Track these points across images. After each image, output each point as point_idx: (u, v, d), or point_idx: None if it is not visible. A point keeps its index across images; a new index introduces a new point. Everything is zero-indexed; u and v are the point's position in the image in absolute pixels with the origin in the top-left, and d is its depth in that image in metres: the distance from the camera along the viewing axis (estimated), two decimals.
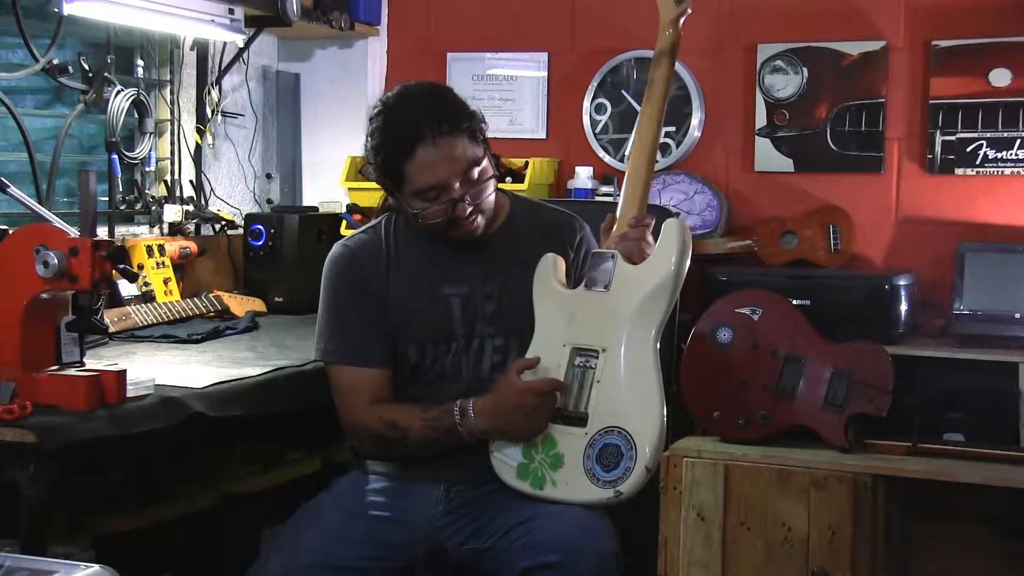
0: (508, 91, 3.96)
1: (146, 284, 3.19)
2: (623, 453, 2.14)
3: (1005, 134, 3.42)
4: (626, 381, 2.19)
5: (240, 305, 3.30)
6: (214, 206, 3.75)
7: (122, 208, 3.45)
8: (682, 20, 2.40)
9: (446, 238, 2.34)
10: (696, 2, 2.48)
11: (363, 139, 2.35)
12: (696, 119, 3.74)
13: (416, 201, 2.28)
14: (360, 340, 2.34)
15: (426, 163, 2.23)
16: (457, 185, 2.26)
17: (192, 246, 3.48)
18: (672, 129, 3.74)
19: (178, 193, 3.65)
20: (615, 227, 2.33)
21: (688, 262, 2.23)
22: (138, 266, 3.19)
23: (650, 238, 2.29)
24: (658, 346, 2.21)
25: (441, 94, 2.34)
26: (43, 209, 2.81)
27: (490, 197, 2.33)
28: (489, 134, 2.36)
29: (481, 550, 2.24)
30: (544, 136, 3.95)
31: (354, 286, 2.37)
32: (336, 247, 2.42)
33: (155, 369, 2.44)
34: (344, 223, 3.68)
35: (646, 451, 2.13)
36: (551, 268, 2.34)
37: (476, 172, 2.28)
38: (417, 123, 2.24)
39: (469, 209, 2.28)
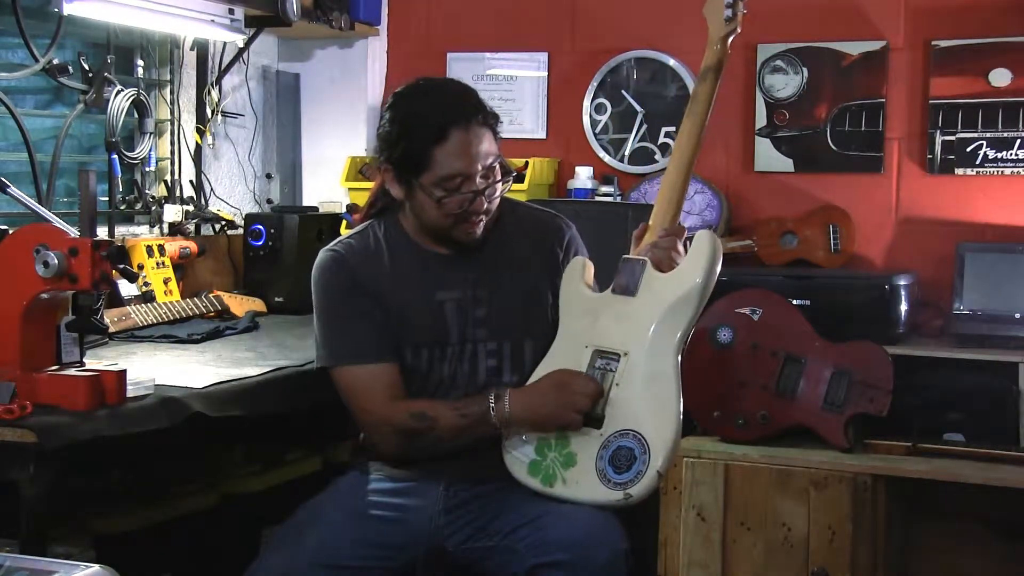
0: (508, 91, 3.96)
1: (146, 284, 3.19)
2: (636, 456, 2.15)
3: (1005, 134, 3.42)
4: (645, 386, 2.20)
5: (240, 305, 3.30)
6: (214, 206, 3.75)
7: (122, 208, 3.45)
8: (731, 38, 2.42)
9: (445, 238, 2.33)
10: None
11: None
12: None
13: (436, 190, 2.26)
14: (365, 338, 2.31)
15: (457, 148, 2.23)
16: (479, 179, 2.26)
17: (192, 246, 3.48)
18: (672, 129, 3.74)
19: (178, 193, 3.64)
20: (647, 235, 2.34)
21: (717, 273, 2.24)
22: (138, 266, 3.18)
23: (681, 248, 2.30)
24: (680, 355, 2.22)
25: (469, 88, 2.35)
26: (43, 209, 2.81)
27: (497, 200, 2.33)
28: None
29: (484, 549, 2.24)
30: (544, 136, 3.95)
31: (347, 288, 2.34)
32: (323, 254, 2.38)
33: (155, 369, 2.44)
34: (344, 223, 3.67)
35: (659, 456, 2.13)
36: (580, 271, 2.36)
37: (497, 170, 2.29)
38: (452, 109, 2.25)
39: (485, 205, 2.28)
